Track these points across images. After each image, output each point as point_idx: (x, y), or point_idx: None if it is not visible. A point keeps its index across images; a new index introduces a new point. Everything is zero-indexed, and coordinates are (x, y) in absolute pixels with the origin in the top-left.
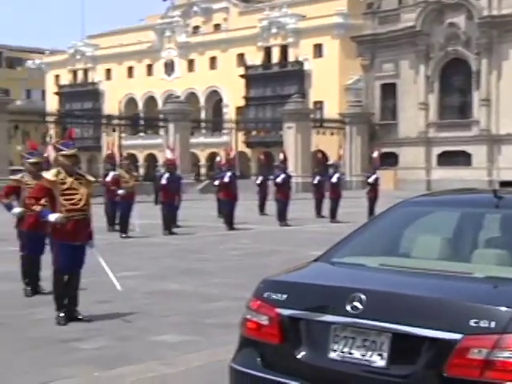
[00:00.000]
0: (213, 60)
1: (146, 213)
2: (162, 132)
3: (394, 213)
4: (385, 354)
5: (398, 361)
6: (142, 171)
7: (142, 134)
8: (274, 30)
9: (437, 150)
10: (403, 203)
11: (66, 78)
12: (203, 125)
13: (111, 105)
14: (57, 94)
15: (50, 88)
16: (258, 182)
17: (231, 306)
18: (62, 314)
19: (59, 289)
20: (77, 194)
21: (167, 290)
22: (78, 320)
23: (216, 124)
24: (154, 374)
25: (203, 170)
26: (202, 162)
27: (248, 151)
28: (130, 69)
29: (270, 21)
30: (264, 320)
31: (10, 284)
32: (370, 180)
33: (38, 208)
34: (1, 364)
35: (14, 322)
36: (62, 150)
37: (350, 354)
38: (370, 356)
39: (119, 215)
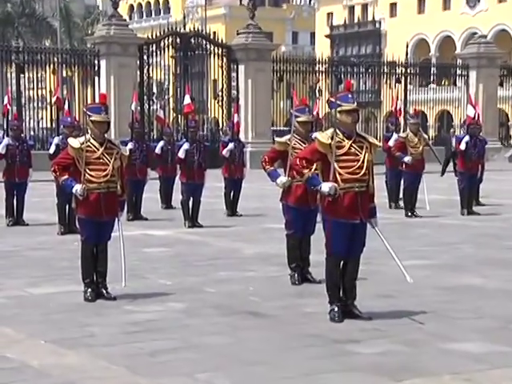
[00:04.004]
0: None
1: (435, 186)
2: (460, 82)
3: None
4: None
5: None
6: (431, 133)
7: (433, 86)
8: None
9: None
10: None
11: (340, 17)
12: None
13: (395, 49)
14: (328, 36)
15: (321, 29)
16: None
17: None
18: (336, 309)
19: (334, 278)
20: (356, 160)
21: (466, 285)
22: (355, 317)
23: None
24: None
25: None
26: None
27: None
28: (421, 2)
29: None
30: None
31: (275, 268)
32: None
33: (306, 173)
34: (269, 363)
35: (282, 315)
36: (340, 106)
37: None
38: None
39: (403, 188)
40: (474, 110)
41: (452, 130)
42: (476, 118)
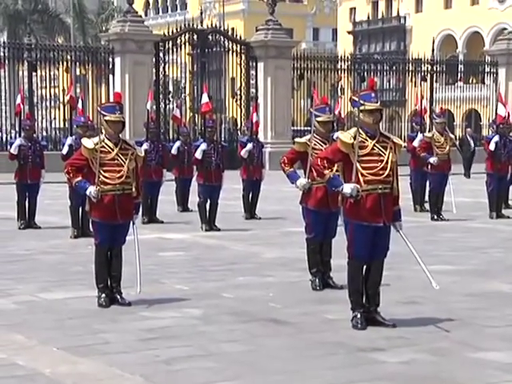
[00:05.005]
0: None
1: (461, 188)
2: (488, 80)
3: None
4: None
5: None
6: (458, 132)
7: (460, 84)
8: None
9: None
10: None
11: (363, 12)
12: None
13: (421, 45)
14: (351, 33)
15: (343, 25)
16: None
17: None
18: (359, 316)
19: (356, 283)
20: (380, 160)
21: (495, 292)
22: (379, 324)
23: None
24: None
25: None
26: None
27: None
28: None
29: None
30: None
31: (295, 273)
32: None
33: (327, 173)
34: (289, 372)
35: (303, 322)
36: (363, 105)
37: None
38: None
39: (429, 190)
40: (505, 108)
41: (469, 130)
42: (507, 117)
